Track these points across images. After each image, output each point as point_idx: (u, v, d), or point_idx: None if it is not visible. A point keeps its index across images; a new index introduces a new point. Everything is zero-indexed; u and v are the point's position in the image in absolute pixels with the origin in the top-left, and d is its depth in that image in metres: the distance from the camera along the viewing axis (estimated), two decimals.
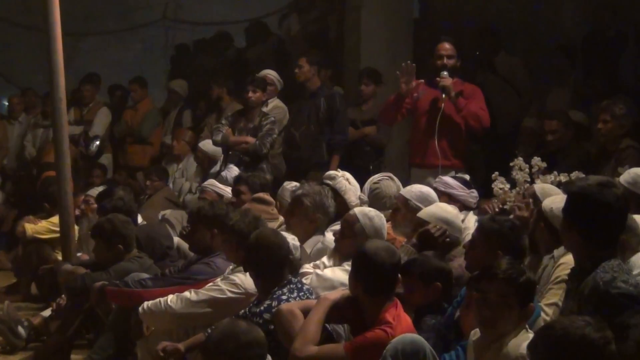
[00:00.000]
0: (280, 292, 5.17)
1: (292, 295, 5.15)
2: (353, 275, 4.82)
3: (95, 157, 11.89)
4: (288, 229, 6.52)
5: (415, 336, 4.44)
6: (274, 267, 5.24)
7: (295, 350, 4.65)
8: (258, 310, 5.10)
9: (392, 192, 6.78)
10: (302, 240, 6.33)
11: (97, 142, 11.88)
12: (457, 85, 8.25)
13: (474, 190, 6.88)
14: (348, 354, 4.60)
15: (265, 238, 5.31)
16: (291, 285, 5.23)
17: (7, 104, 14.10)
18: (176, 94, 12.11)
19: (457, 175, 7.26)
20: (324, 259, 6.00)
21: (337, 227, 6.24)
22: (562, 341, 3.54)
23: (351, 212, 5.98)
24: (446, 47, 8.26)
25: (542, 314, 4.76)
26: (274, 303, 5.09)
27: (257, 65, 11.01)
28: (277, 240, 5.32)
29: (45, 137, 12.53)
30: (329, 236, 6.35)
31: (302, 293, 5.21)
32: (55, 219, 8.93)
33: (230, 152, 8.99)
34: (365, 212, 5.88)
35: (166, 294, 5.82)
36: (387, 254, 4.76)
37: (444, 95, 8.10)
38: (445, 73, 8.13)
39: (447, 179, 6.92)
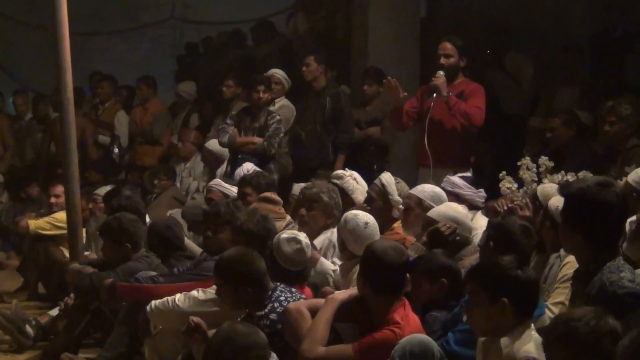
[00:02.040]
0: (275, 295, 5.13)
1: (288, 296, 5.14)
2: (361, 274, 4.82)
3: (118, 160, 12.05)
4: (301, 226, 6.53)
5: (424, 337, 4.44)
6: (256, 284, 5.14)
7: (304, 351, 4.65)
8: (263, 312, 5.06)
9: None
10: (313, 237, 6.34)
11: (116, 150, 12.01)
12: (462, 85, 8.18)
13: (481, 189, 6.87)
14: (356, 355, 4.61)
15: (236, 260, 5.20)
16: (280, 287, 5.20)
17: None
18: (183, 97, 12.09)
19: (462, 174, 7.25)
20: (335, 258, 6.03)
21: None
22: (582, 332, 3.51)
23: None
24: (445, 46, 8.15)
25: (548, 313, 4.76)
26: (276, 304, 5.07)
27: (264, 65, 11.02)
28: (248, 260, 5.19)
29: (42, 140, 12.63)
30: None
31: (292, 294, 5.20)
32: (58, 215, 8.96)
33: (240, 156, 8.95)
34: (346, 215, 5.96)
35: (178, 291, 5.81)
36: (396, 253, 4.76)
37: (434, 95, 8.05)
38: (441, 73, 8.05)
39: (455, 178, 6.91)
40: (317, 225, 6.57)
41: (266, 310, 5.06)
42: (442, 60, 8.09)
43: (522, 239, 5.01)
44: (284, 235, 5.58)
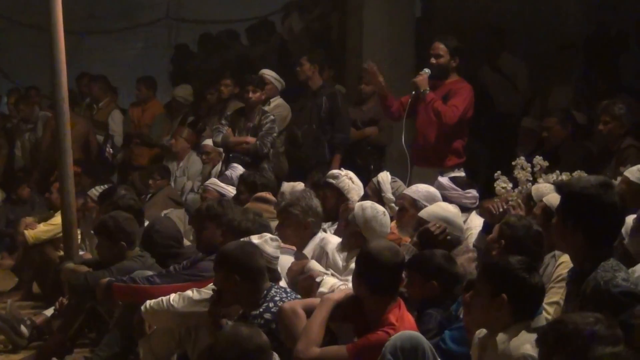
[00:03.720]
0: (270, 294, 5.12)
1: (283, 296, 5.14)
2: (356, 274, 4.81)
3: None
4: (284, 241, 6.43)
5: (414, 333, 4.46)
6: (246, 276, 5.13)
7: (299, 352, 4.65)
8: (258, 312, 5.06)
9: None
10: (301, 247, 6.27)
11: (109, 149, 12.00)
12: (452, 84, 8.16)
13: (470, 190, 6.83)
14: (351, 356, 4.61)
15: (236, 248, 5.22)
16: (275, 287, 5.20)
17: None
18: (179, 102, 12.03)
19: (455, 175, 7.24)
20: (337, 260, 6.01)
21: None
22: (572, 336, 3.50)
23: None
24: (437, 46, 8.11)
25: (543, 312, 4.76)
26: (271, 304, 5.07)
27: (260, 65, 11.00)
28: (247, 254, 5.19)
29: (34, 140, 12.59)
30: (329, 236, 6.35)
31: (287, 293, 5.20)
32: (54, 219, 8.94)
33: (231, 155, 8.95)
34: (361, 204, 6.00)
35: (174, 291, 5.79)
36: (391, 253, 4.76)
37: (413, 92, 8.06)
38: (427, 70, 8.07)
39: (442, 179, 6.90)
40: (293, 239, 6.31)
41: (260, 310, 5.06)
42: (432, 60, 8.11)
43: (534, 247, 4.99)
44: (257, 240, 5.52)
